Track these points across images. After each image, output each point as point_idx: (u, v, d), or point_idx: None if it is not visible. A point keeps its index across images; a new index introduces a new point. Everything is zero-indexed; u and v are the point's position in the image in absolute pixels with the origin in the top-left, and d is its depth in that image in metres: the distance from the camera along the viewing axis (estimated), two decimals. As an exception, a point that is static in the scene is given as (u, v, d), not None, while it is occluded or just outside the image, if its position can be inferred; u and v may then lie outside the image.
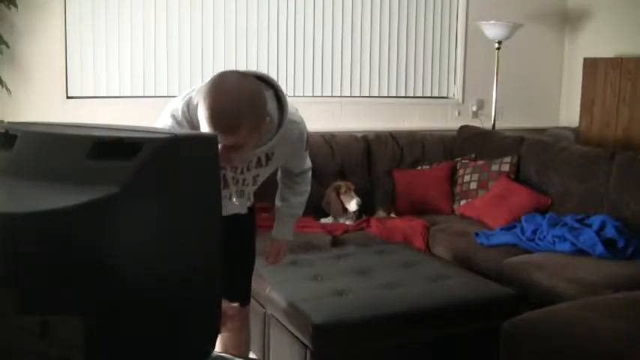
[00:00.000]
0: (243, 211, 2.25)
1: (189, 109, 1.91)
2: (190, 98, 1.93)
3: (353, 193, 4.03)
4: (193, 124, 1.88)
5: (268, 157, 2.09)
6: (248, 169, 2.11)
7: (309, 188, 2.41)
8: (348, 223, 4.01)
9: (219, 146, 1.65)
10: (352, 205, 4.00)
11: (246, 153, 1.86)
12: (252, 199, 2.31)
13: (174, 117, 1.95)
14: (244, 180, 2.14)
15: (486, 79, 4.98)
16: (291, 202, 2.40)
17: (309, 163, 2.36)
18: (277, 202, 2.44)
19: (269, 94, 1.90)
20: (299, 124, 2.09)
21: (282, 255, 2.51)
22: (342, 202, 4.03)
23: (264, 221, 3.88)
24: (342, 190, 4.06)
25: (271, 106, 1.90)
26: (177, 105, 1.97)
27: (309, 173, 2.39)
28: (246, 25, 4.46)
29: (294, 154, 2.19)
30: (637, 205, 3.51)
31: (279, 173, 2.41)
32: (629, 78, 4.59)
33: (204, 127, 1.73)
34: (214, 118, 1.70)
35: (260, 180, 2.20)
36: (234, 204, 2.17)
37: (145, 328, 1.08)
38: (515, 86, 5.17)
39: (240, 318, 2.27)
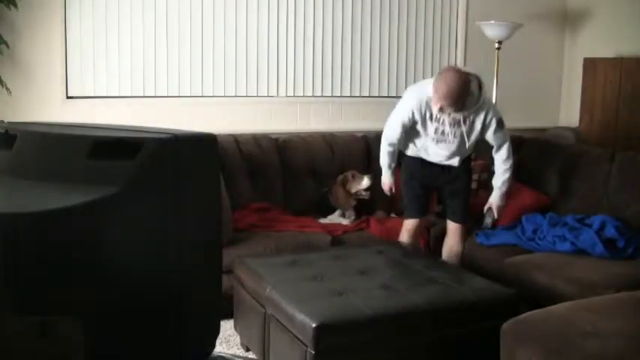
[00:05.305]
0: (451, 162, 3.46)
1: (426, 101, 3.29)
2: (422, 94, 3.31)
3: (359, 175, 4.09)
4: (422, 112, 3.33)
5: (464, 121, 3.31)
6: (452, 125, 3.33)
7: (508, 175, 3.48)
8: (345, 223, 4.02)
9: (438, 106, 3.18)
10: (365, 182, 4.06)
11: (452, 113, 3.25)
12: (459, 159, 3.45)
13: (412, 111, 3.33)
14: (443, 131, 3.35)
15: (486, 79, 4.96)
16: (499, 179, 3.50)
17: (509, 154, 3.44)
18: (493, 182, 3.55)
19: (475, 82, 3.28)
20: (490, 108, 3.35)
21: (497, 212, 3.56)
22: (348, 192, 4.07)
23: (264, 221, 3.90)
24: (349, 177, 4.11)
25: (474, 88, 3.26)
26: (412, 102, 3.34)
27: (509, 164, 3.46)
28: (246, 26, 4.46)
29: (484, 127, 3.34)
30: (637, 205, 3.51)
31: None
32: (629, 78, 4.59)
33: (437, 101, 3.16)
34: (447, 95, 3.12)
35: (457, 137, 3.35)
36: (438, 149, 3.41)
37: (145, 328, 1.08)
38: (515, 86, 5.17)
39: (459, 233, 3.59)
